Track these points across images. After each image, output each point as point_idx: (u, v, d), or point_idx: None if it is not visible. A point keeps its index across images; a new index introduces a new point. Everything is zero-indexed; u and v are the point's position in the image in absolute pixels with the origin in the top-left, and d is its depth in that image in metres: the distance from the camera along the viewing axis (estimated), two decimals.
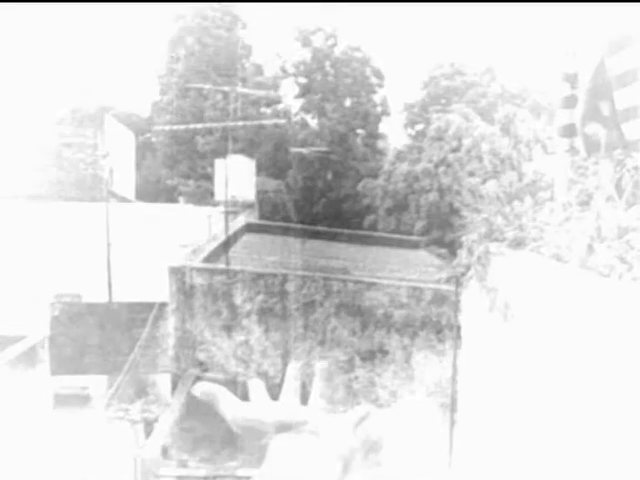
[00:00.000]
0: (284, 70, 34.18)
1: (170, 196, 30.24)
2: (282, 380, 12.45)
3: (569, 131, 6.53)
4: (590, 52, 5.83)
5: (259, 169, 26.62)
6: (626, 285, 4.40)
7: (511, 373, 6.52)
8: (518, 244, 6.67)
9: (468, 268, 8.01)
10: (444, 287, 13.13)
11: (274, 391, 14.02)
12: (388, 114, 34.50)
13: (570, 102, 6.42)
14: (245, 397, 14.24)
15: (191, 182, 30.54)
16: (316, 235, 23.73)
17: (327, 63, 33.33)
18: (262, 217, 26.11)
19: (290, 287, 15.52)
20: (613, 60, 5.43)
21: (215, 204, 22.68)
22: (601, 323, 4.46)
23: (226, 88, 29.92)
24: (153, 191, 31.70)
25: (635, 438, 3.90)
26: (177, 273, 15.93)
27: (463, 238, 8.00)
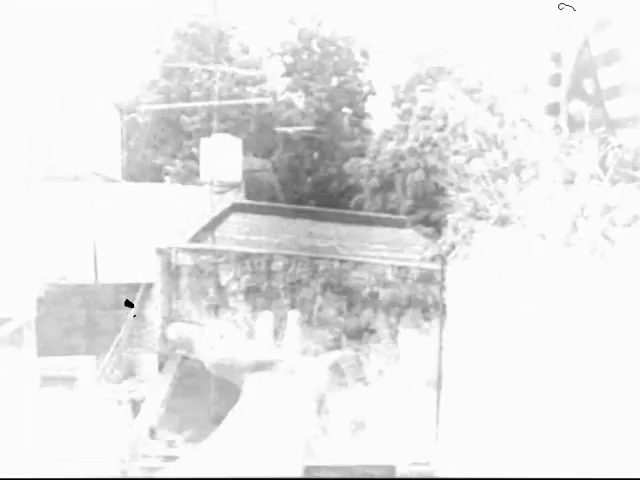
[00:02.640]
0: (270, 49, 33.95)
1: (156, 176, 30.04)
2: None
3: (554, 109, 6.54)
4: (575, 30, 5.83)
5: (245, 149, 26.52)
6: (609, 262, 4.43)
7: (496, 349, 6.57)
8: (503, 222, 6.69)
9: (453, 246, 8.04)
10: (430, 266, 13.18)
11: None
12: (374, 93, 34.36)
13: (555, 80, 6.42)
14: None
15: (177, 162, 30.33)
16: (302, 215, 23.68)
17: (313, 42, 33.12)
18: (248, 197, 25.99)
19: (276, 267, 15.53)
20: (598, 38, 5.43)
21: (201, 184, 22.61)
22: (584, 299, 4.50)
23: (212, 67, 29.73)
24: (139, 171, 31.51)
25: (617, 410, 3.95)
26: (163, 254, 15.92)
27: (448, 217, 8.02)
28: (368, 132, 33.65)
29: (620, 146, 5.42)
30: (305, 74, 33.28)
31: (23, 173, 20.75)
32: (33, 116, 22.78)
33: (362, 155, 30.01)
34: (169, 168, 30.02)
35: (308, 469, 10.88)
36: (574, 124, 6.20)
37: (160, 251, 15.94)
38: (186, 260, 15.83)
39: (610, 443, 4.04)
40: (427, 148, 25.39)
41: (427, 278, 14.64)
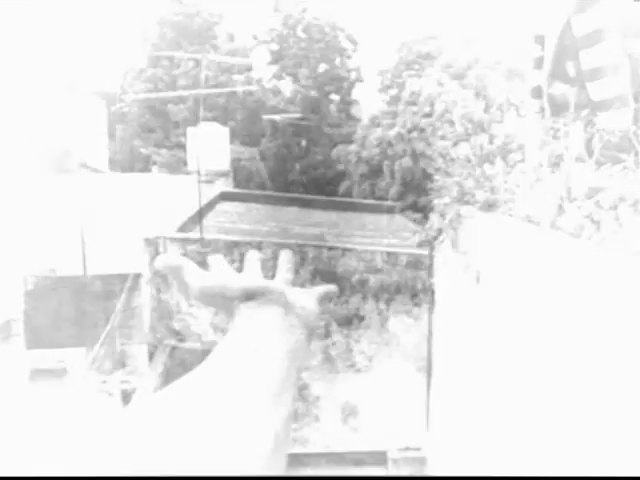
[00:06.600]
0: (256, 37, 33.80)
1: (144, 166, 29.95)
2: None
3: (539, 92, 6.51)
4: (557, 11, 5.79)
5: (232, 137, 26.44)
6: (595, 245, 4.42)
7: (484, 334, 6.56)
8: (489, 206, 6.67)
9: (440, 232, 8.01)
10: (419, 251, 13.15)
11: None
12: (362, 80, 34.29)
13: (540, 63, 6.38)
14: None
15: (164, 151, 30.22)
16: (291, 202, 23.64)
17: (299, 28, 32.98)
18: (236, 185, 25.95)
19: (265, 255, 15.49)
20: (579, 19, 5.40)
21: (189, 173, 22.53)
22: (571, 283, 4.48)
23: (198, 56, 29.62)
24: (126, 161, 31.40)
25: (604, 396, 3.94)
26: (151, 244, 15.82)
27: (435, 202, 7.99)
28: (355, 119, 33.59)
29: (603, 129, 5.40)
30: (292, 61, 33.16)
31: (9, 166, 20.62)
32: (18, 108, 22.62)
33: (350, 142, 29.97)
34: (156, 157, 29.92)
35: (298, 457, 10.88)
36: (556, 107, 6.17)
37: (148, 241, 15.83)
38: (174, 250, 15.74)
39: (602, 428, 4.04)
40: (415, 134, 25.36)
41: (415, 264, 14.62)
